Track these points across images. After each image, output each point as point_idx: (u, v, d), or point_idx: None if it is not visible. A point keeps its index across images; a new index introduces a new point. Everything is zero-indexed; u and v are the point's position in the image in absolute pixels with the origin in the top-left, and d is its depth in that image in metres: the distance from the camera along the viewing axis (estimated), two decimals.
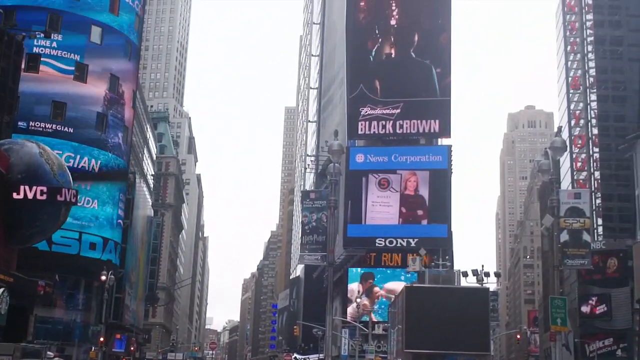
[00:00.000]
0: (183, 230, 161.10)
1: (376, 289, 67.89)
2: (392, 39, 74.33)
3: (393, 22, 74.64)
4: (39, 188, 24.90)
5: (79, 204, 42.58)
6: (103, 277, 54.78)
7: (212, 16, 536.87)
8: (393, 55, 73.99)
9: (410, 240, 66.63)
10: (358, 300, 67.72)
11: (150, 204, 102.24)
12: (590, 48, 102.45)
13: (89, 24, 59.94)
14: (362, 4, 76.32)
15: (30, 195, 23.97)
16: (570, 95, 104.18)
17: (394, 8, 74.58)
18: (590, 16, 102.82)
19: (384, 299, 66.50)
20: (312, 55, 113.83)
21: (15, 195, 26.54)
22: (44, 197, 24.61)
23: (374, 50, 74.17)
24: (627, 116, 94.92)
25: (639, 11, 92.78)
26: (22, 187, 23.94)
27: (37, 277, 36.35)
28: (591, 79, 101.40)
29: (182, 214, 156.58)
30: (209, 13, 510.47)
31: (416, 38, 73.36)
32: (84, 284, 60.74)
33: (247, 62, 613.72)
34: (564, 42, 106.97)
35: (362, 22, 76.02)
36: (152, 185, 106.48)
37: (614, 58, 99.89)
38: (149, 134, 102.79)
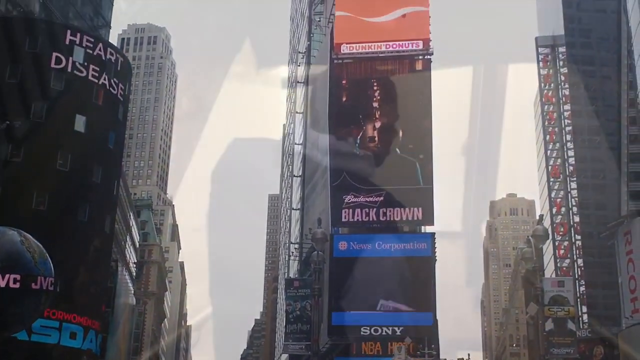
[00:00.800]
0: (165, 319, 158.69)
1: None
2: (376, 125, 74.84)
3: (376, 104, 75.19)
4: (12, 276, 24.67)
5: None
6: None
7: (197, 104, 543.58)
8: (377, 148, 74.37)
9: (396, 328, 65.82)
10: None
11: (133, 292, 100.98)
12: (568, 137, 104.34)
13: (74, 113, 60.21)
14: (344, 82, 77.00)
15: (2, 284, 23.82)
16: (551, 183, 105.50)
17: (375, 88, 75.15)
18: (567, 107, 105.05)
19: None
20: (296, 143, 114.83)
21: None
22: (17, 285, 24.41)
23: (358, 137, 74.65)
24: (608, 204, 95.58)
25: (614, 101, 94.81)
26: None
27: None
28: (571, 168, 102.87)
29: (165, 302, 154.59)
30: (194, 101, 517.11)
31: (400, 135, 73.95)
32: None
33: (231, 150, 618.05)
34: (542, 131, 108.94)
35: (345, 104, 76.39)
36: (134, 273, 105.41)
37: (592, 147, 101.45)
38: (132, 222, 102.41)
